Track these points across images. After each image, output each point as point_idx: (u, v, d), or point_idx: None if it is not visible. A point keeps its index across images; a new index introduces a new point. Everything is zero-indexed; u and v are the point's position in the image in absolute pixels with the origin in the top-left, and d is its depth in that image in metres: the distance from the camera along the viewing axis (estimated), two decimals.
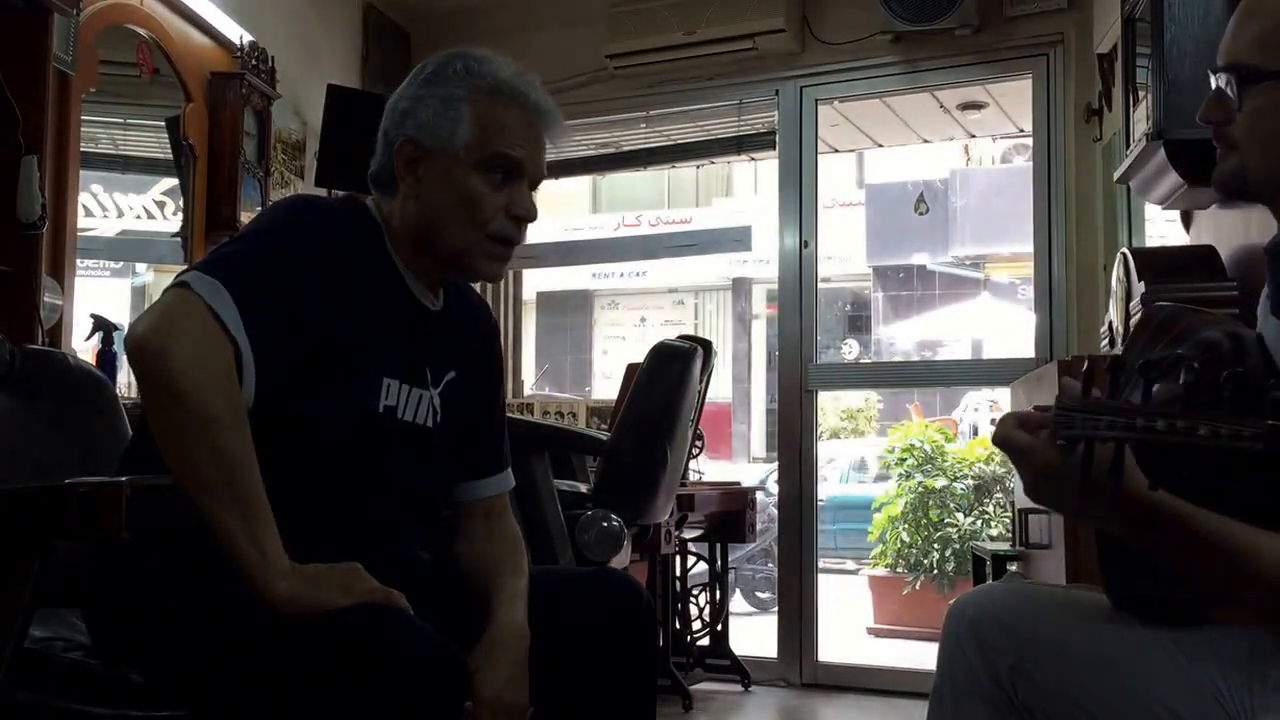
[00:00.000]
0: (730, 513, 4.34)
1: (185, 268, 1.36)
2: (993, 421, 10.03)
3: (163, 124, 3.66)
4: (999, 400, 9.34)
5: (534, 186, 1.54)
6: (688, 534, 4.22)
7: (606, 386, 11.95)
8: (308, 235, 1.42)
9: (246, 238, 1.43)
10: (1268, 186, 1.22)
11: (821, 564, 4.57)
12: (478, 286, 1.88)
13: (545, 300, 14.04)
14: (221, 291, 1.29)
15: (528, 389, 5.83)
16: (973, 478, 6.41)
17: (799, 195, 4.40)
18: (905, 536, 6.48)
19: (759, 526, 5.29)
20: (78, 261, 3.09)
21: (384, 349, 1.47)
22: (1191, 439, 0.88)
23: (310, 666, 1.24)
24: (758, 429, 14.13)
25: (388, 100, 1.56)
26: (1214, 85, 1.24)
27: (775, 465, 4.97)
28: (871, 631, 6.50)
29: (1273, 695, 1.18)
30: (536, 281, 12.84)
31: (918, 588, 6.37)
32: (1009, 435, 1.10)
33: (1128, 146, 2.83)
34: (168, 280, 1.36)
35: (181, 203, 3.70)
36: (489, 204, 1.48)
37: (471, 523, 1.63)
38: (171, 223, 3.88)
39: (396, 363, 1.49)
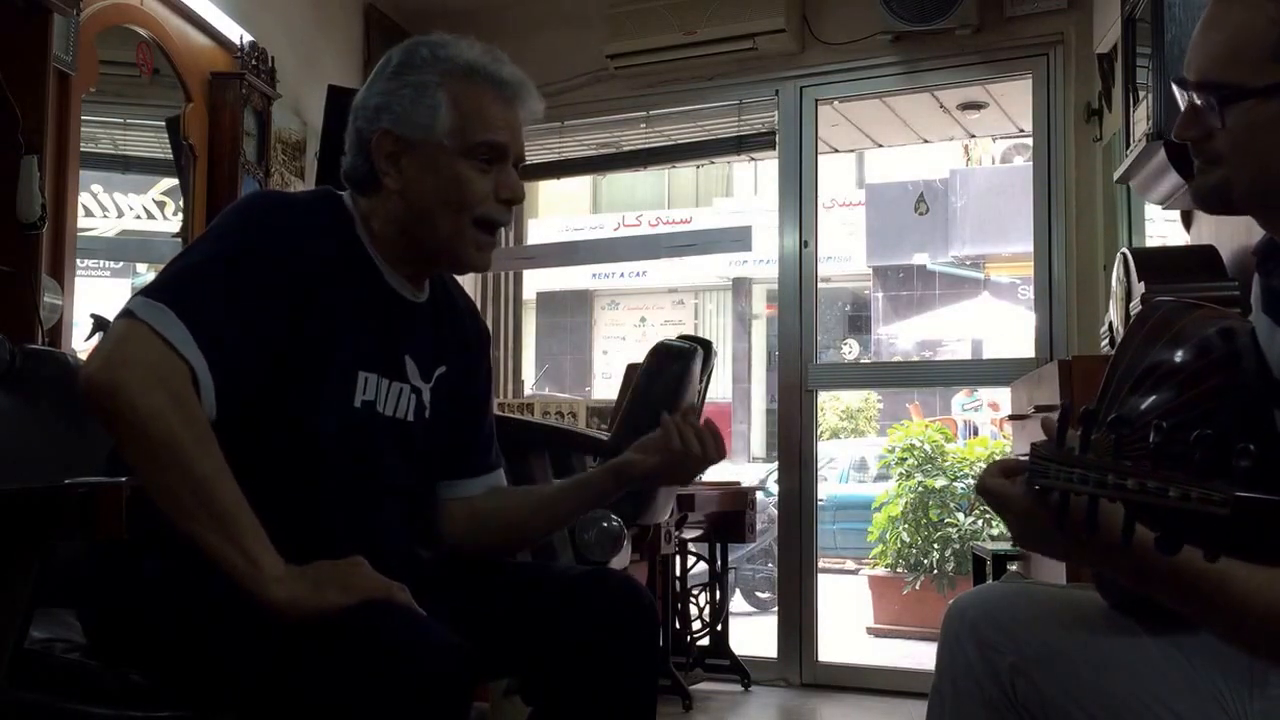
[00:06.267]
0: (730, 513, 4.34)
1: (132, 293, 1.35)
2: (992, 421, 10.01)
3: (163, 124, 3.66)
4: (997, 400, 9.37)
5: (517, 164, 1.54)
6: (688, 534, 4.22)
7: (606, 386, 11.96)
8: (266, 233, 1.40)
9: (198, 247, 1.41)
10: (1255, 200, 1.20)
11: (821, 564, 4.57)
12: (472, 290, 1.87)
13: (545, 300, 14.04)
14: (167, 313, 1.29)
15: (528, 389, 5.82)
16: (973, 477, 6.41)
17: (799, 195, 4.40)
18: (905, 536, 6.48)
19: (759, 526, 5.29)
20: (78, 261, 3.09)
21: (358, 342, 1.45)
22: (1162, 500, 0.90)
23: (316, 667, 1.24)
24: (758, 429, 14.14)
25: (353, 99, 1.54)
26: (1182, 99, 1.22)
27: (775, 465, 4.98)
28: (871, 631, 6.50)
29: (1274, 697, 1.18)
30: (536, 281, 12.84)
31: (918, 588, 6.37)
32: (988, 482, 1.12)
33: (1128, 146, 2.83)
34: None
35: (181, 203, 3.70)
36: (477, 189, 1.48)
37: (464, 513, 1.64)
38: (171, 223, 3.88)
39: (372, 356, 1.47)
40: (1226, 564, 1.02)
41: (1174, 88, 1.25)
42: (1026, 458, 1.06)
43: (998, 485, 1.10)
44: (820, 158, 4.50)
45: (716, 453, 1.56)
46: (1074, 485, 0.96)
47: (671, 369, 3.08)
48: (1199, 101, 1.19)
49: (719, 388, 10.73)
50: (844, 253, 13.25)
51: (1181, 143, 1.24)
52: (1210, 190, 1.22)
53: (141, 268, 4.34)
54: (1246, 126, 1.15)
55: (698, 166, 6.48)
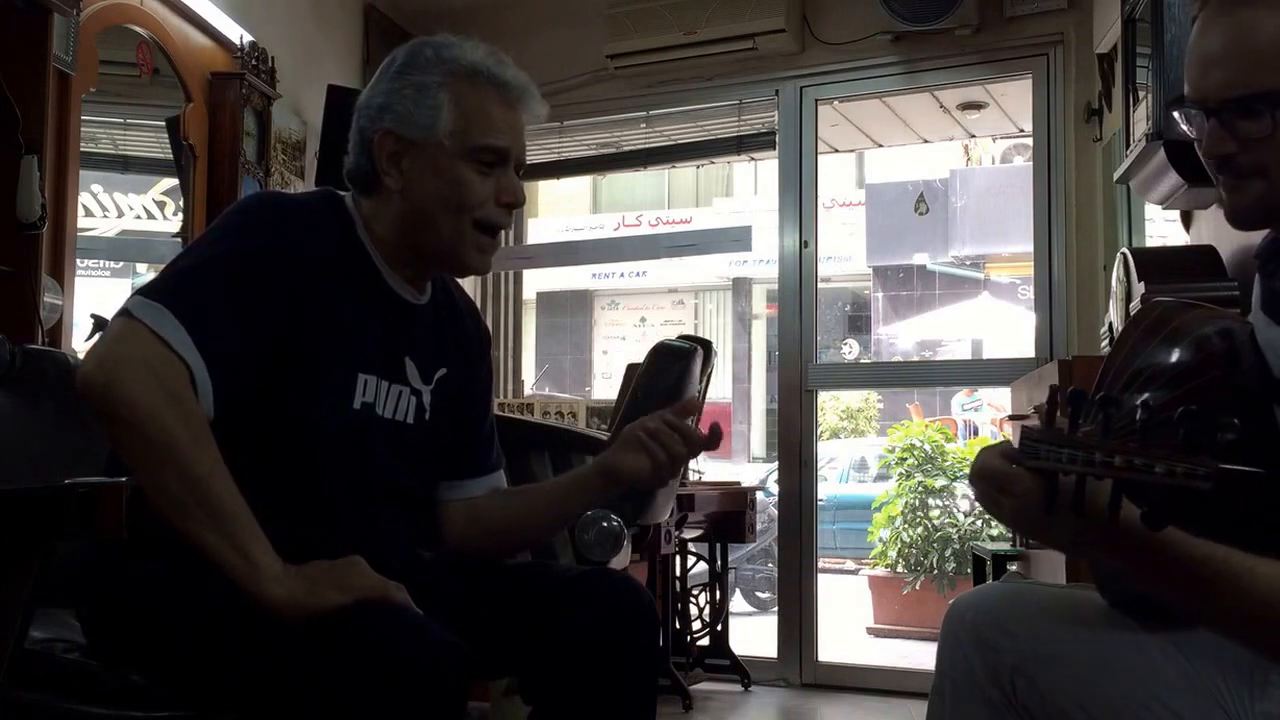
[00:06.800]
0: (730, 513, 4.34)
1: (131, 292, 1.35)
2: (992, 421, 9.98)
3: (163, 124, 3.66)
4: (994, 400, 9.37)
5: (519, 169, 1.53)
6: (688, 534, 4.22)
7: (606, 386, 11.96)
8: (266, 234, 1.40)
9: (197, 248, 1.41)
10: None
11: (821, 564, 4.57)
12: (472, 290, 1.87)
13: (545, 300, 14.04)
14: (165, 314, 1.29)
15: (528, 389, 5.82)
16: None
17: (799, 195, 4.40)
18: (905, 536, 6.48)
19: (759, 526, 5.29)
20: (78, 261, 3.09)
21: (357, 344, 1.45)
22: (1148, 476, 0.90)
23: (312, 666, 1.24)
24: (758, 429, 14.14)
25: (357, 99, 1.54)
26: (1189, 121, 1.20)
27: (775, 465, 4.97)
28: (871, 631, 6.51)
29: (1274, 696, 1.18)
30: (536, 281, 12.85)
31: (918, 588, 6.37)
32: (991, 463, 1.09)
33: (1128, 146, 2.83)
34: None
35: (181, 203, 3.70)
36: (478, 191, 1.47)
37: (466, 514, 1.64)
38: (171, 223, 3.88)
39: (372, 358, 1.47)
40: (1225, 553, 1.02)
41: (1175, 115, 1.23)
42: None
43: (1000, 466, 1.09)
44: (820, 158, 4.50)
45: (707, 444, 1.55)
46: (1063, 465, 0.96)
47: (671, 369, 3.08)
48: (1223, 117, 1.16)
49: (719, 388, 10.72)
50: (844, 253, 13.25)
51: (1216, 160, 1.20)
52: (1252, 204, 1.20)
53: (141, 268, 4.35)
54: None
55: (698, 166, 6.48)
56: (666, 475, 1.55)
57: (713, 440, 1.53)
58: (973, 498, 6.26)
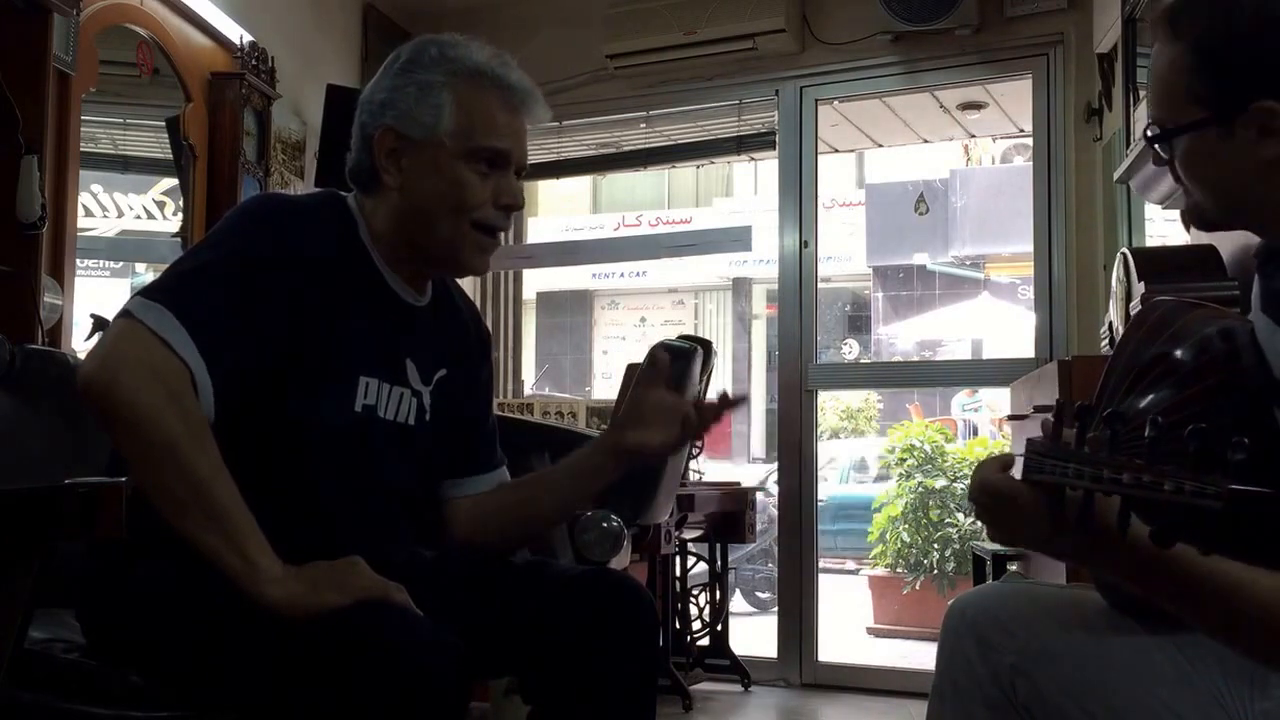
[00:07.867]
0: (730, 513, 4.34)
1: (131, 294, 1.35)
2: (992, 420, 9.96)
3: (163, 124, 3.66)
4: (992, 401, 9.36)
5: (520, 172, 1.53)
6: (688, 534, 4.22)
7: (606, 386, 11.96)
8: (268, 236, 1.40)
9: (199, 250, 1.41)
10: (1225, 218, 1.26)
11: (821, 564, 4.57)
12: (473, 290, 1.88)
13: (545, 300, 14.03)
14: (165, 315, 1.28)
15: (528, 389, 5.82)
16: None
17: (799, 195, 4.40)
18: (905, 536, 6.48)
19: (759, 526, 5.29)
20: (78, 261, 3.09)
21: (359, 347, 1.45)
22: (1157, 494, 0.90)
23: (310, 667, 1.24)
24: (758, 429, 14.13)
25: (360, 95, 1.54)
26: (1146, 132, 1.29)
27: (775, 465, 4.97)
28: (871, 631, 6.51)
29: (1274, 695, 1.18)
30: (536, 281, 12.83)
31: (918, 588, 6.37)
32: (992, 479, 1.09)
33: (1128, 146, 2.83)
34: None
35: (181, 203, 3.70)
36: (477, 193, 1.47)
37: (473, 510, 1.64)
38: (171, 223, 3.88)
39: (374, 360, 1.47)
40: (1230, 566, 1.02)
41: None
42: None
43: (1003, 481, 1.08)
44: (820, 158, 4.50)
45: (721, 409, 1.65)
46: (1069, 480, 0.95)
47: (671, 369, 3.07)
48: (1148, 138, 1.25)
49: (719, 388, 10.69)
50: (844, 253, 13.24)
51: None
52: (1190, 212, 1.28)
53: (141, 268, 4.35)
54: (1185, 157, 1.22)
55: (698, 166, 6.49)
56: (677, 443, 1.61)
57: (723, 406, 1.66)
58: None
